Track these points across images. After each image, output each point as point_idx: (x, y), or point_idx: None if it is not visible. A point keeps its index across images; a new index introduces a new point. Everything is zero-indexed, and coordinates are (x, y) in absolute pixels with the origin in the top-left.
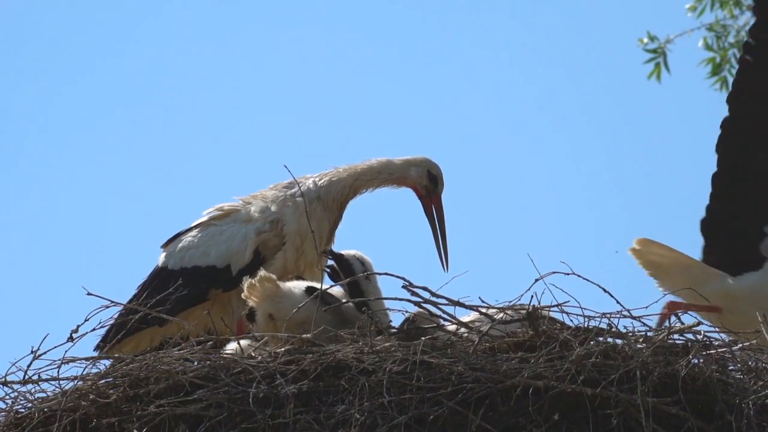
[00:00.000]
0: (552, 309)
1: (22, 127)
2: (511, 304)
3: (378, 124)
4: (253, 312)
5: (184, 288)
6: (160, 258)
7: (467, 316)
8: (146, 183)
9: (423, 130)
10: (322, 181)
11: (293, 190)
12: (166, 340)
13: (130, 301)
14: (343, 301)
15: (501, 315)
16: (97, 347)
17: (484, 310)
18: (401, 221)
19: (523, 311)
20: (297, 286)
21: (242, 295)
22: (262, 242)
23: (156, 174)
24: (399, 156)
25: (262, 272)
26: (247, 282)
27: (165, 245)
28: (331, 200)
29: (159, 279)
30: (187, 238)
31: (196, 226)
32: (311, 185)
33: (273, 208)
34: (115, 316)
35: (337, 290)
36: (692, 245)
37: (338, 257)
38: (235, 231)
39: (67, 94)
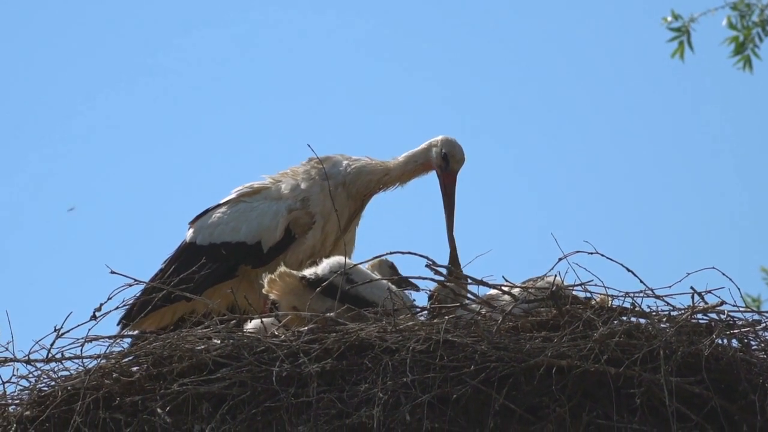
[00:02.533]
0: (575, 288)
1: (49, 107)
2: (535, 284)
3: (405, 104)
4: (276, 305)
5: (213, 264)
6: (188, 234)
7: (487, 293)
8: (168, 163)
9: (447, 112)
10: (352, 168)
11: (322, 169)
12: (187, 316)
13: (155, 276)
14: (367, 280)
15: (525, 293)
16: (120, 322)
17: (507, 289)
18: (427, 201)
19: (547, 287)
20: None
21: (263, 291)
22: (293, 220)
23: (178, 154)
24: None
25: (281, 268)
26: (267, 277)
27: (193, 221)
28: (355, 190)
29: (186, 254)
30: (217, 214)
31: (225, 203)
32: (342, 168)
33: (303, 186)
34: (137, 294)
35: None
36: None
37: (316, 282)
38: (266, 208)
39: (92, 74)
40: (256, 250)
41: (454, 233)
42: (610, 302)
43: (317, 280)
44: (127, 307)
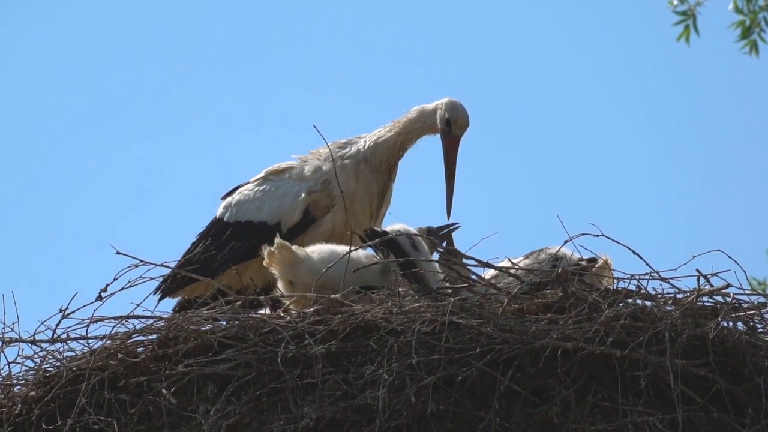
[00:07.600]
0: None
1: (54, 85)
2: (537, 257)
3: (420, 83)
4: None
5: (237, 241)
6: (219, 209)
7: (489, 272)
8: (175, 146)
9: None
10: (369, 143)
11: (345, 150)
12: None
13: (188, 250)
14: (376, 261)
15: (529, 268)
16: (156, 292)
17: (513, 272)
18: (433, 184)
19: (552, 270)
20: (318, 250)
21: (264, 263)
22: (312, 202)
23: (183, 139)
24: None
25: (278, 240)
26: (266, 250)
27: (224, 196)
28: (378, 162)
29: (215, 230)
30: (244, 192)
31: (254, 181)
32: (361, 146)
33: (324, 168)
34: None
35: (363, 253)
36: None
37: (382, 235)
38: (288, 189)
39: (105, 47)
40: (276, 231)
41: (452, 201)
42: (610, 264)
43: (379, 233)
44: (163, 279)
